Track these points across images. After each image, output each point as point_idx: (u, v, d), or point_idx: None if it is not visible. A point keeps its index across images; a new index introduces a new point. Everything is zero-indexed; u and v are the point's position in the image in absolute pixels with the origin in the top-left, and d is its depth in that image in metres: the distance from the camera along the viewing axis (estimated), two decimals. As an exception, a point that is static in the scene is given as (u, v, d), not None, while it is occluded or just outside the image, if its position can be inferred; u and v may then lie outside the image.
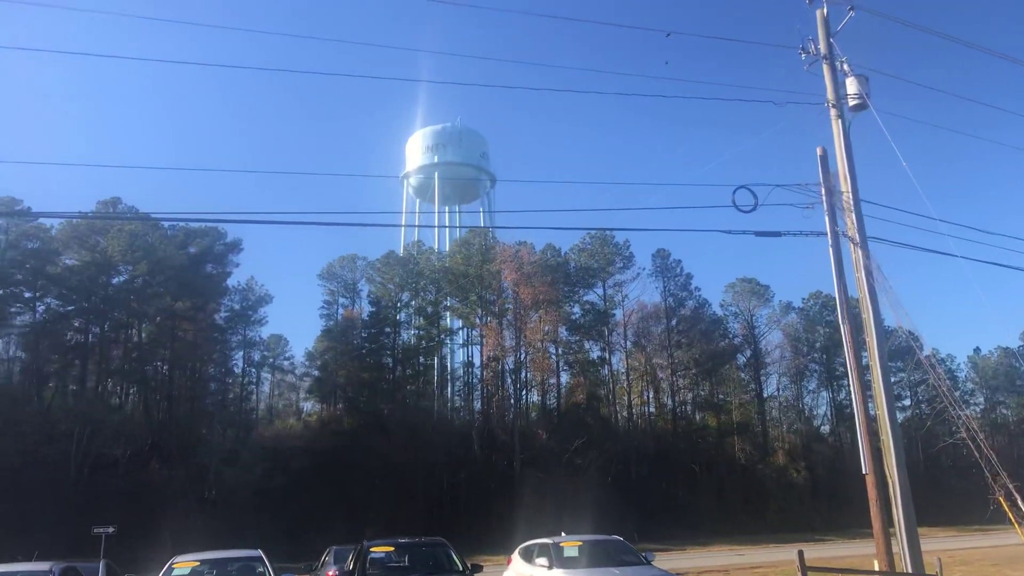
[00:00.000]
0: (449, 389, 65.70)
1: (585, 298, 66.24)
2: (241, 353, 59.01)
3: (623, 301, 66.38)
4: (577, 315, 65.66)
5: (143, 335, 54.51)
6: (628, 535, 18.77)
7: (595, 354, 66.31)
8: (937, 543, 28.22)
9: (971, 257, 17.89)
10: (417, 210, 71.99)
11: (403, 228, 68.89)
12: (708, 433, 66.49)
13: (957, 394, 65.80)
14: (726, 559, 30.78)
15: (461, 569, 11.99)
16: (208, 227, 54.06)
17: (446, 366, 65.93)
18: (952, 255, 16.63)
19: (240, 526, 38.61)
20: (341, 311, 63.78)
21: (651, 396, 68.50)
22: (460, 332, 66.31)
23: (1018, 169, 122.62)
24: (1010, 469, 15.80)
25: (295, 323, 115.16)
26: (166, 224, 53.69)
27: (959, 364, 78.40)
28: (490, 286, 61.36)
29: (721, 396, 69.19)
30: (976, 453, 14.26)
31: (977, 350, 79.70)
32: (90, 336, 51.71)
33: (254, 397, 63.09)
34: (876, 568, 14.67)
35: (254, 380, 62.53)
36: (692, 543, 42.82)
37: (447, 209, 72.75)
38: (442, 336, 63.92)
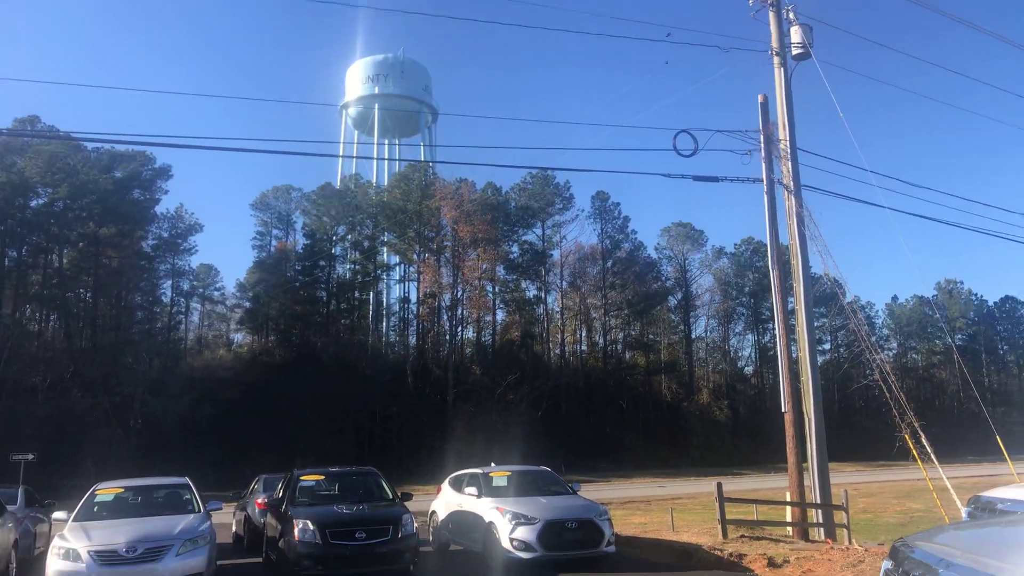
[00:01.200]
0: (384, 324, 65.51)
1: (524, 238, 66.47)
2: (169, 282, 57.49)
3: (561, 242, 66.90)
4: (515, 254, 65.92)
5: (64, 261, 52.45)
6: (556, 467, 19.32)
7: (531, 293, 67.02)
8: (846, 477, 29.93)
9: (897, 208, 18.53)
10: (356, 142, 70.33)
11: (340, 160, 67.38)
12: (637, 371, 68.39)
13: (874, 339, 68.89)
14: (649, 491, 32.05)
15: (391, 497, 12.16)
16: (135, 151, 51.76)
17: (382, 301, 65.60)
18: (879, 206, 17.19)
19: (167, 455, 38.24)
20: (274, 243, 62.50)
21: (584, 335, 69.82)
22: (397, 268, 65.89)
23: (953, 124, 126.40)
24: (916, 410, 16.73)
25: (226, 253, 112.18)
26: (90, 146, 51.15)
27: (877, 311, 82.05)
28: (429, 223, 60.86)
29: (651, 336, 71.03)
30: (887, 394, 15.02)
31: (895, 298, 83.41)
32: (6, 260, 49.52)
33: (182, 327, 61.74)
34: (788, 499, 15.48)
35: (183, 310, 61.12)
36: (618, 476, 44.36)
37: (387, 142, 71.21)
38: (378, 271, 63.40)
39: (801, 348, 17.06)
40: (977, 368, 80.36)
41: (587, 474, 39.15)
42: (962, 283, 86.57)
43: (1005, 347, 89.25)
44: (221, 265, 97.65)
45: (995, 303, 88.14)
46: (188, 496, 11.46)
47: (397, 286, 66.79)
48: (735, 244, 74.99)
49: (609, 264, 67.99)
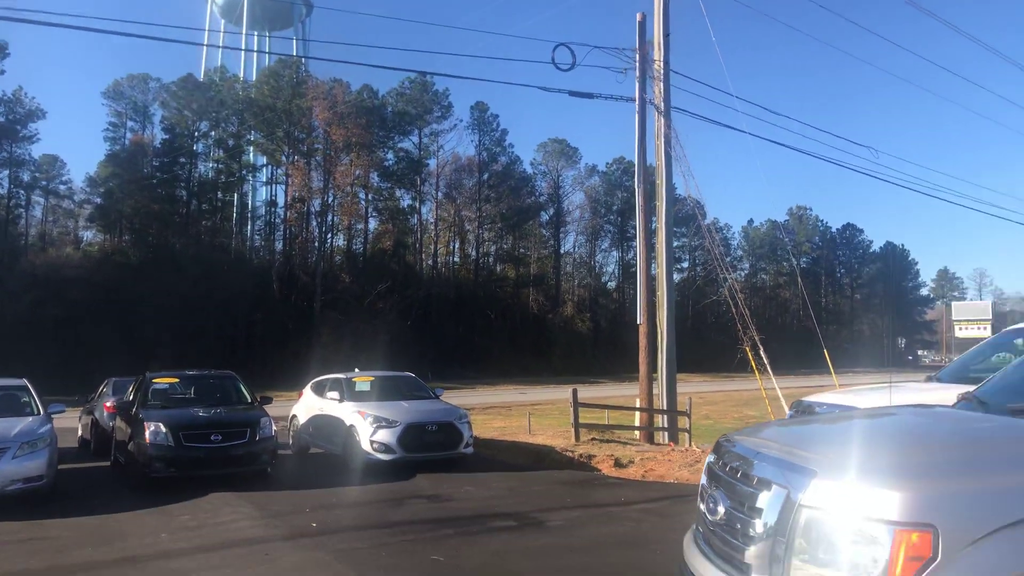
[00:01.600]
0: (249, 228, 62.96)
1: (400, 145, 65.00)
2: (7, 172, 52.50)
3: (438, 152, 65.95)
4: (390, 162, 64.51)
5: None
6: (423, 375, 19.59)
7: (405, 202, 66.13)
8: (693, 387, 32.08)
9: (756, 134, 19.37)
10: (222, 31, 65.38)
11: (205, 50, 62.82)
12: (506, 284, 69.68)
13: (728, 260, 73.02)
14: (511, 397, 33.21)
15: (249, 401, 12.00)
16: (-40, 20, 46.07)
17: (247, 203, 62.82)
18: (740, 131, 17.89)
19: (5, 357, 35.76)
20: (129, 136, 58.02)
21: (457, 247, 69.98)
22: (264, 169, 63.05)
23: (827, 63, 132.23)
24: (760, 326, 18.04)
25: (74, 145, 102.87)
26: (-97, 11, 45.03)
27: (734, 233, 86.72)
28: (299, 123, 58.20)
29: (522, 250, 72.22)
30: (733, 310, 16.10)
31: (751, 221, 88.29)
32: None
33: (23, 221, 56.88)
34: (637, 404, 16.46)
35: (22, 203, 56.17)
36: (483, 383, 45.57)
37: (256, 34, 66.67)
38: (244, 172, 60.44)
39: (659, 264, 17.84)
40: (816, 289, 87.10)
41: (454, 382, 39.99)
42: (811, 210, 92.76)
43: (842, 271, 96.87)
44: (68, 157, 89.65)
45: (837, 230, 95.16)
46: (26, 399, 10.83)
47: (264, 188, 64.12)
48: (607, 163, 76.58)
49: (485, 177, 67.86)
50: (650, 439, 16.14)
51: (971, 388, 4.20)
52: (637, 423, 16.64)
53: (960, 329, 67.60)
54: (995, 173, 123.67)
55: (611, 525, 7.90)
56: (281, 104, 56.55)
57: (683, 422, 16.75)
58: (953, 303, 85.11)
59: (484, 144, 68.38)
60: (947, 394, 4.79)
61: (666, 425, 16.56)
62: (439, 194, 66.38)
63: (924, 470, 2.73)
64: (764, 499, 2.95)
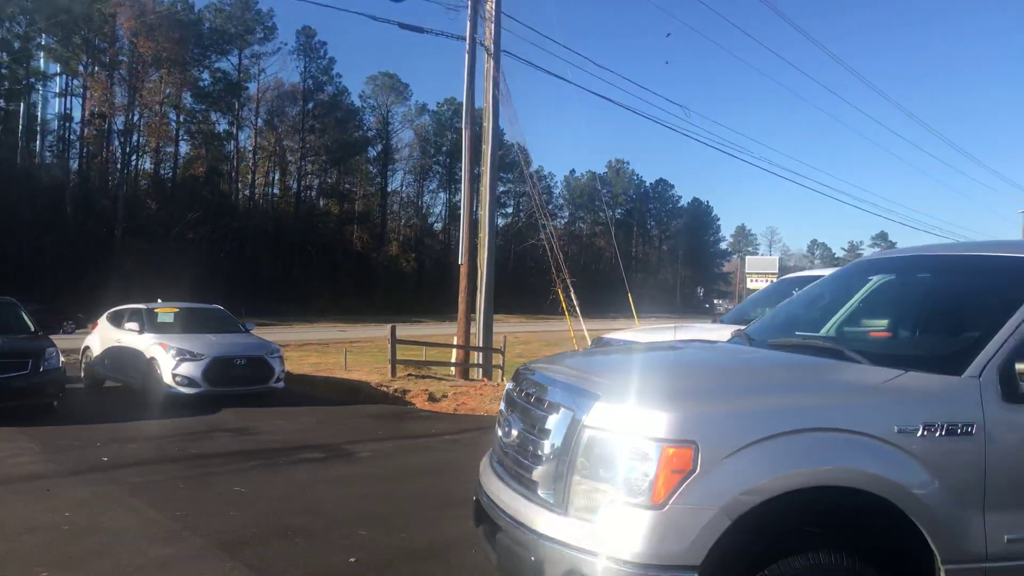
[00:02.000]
0: (39, 143, 56.55)
1: (217, 65, 60.60)
2: None
3: (259, 76, 62.24)
4: (206, 83, 60.06)
5: None
6: (236, 309, 18.77)
7: (222, 127, 62.03)
8: (510, 327, 33.18)
9: (582, 86, 19.88)
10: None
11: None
12: (329, 220, 67.79)
13: (549, 207, 75.22)
14: (329, 335, 32.67)
15: (32, 330, 10.97)
16: None
17: (36, 115, 56.20)
18: (566, 80, 18.27)
19: None
20: None
21: (277, 178, 66.95)
22: (57, 79, 56.50)
23: (647, 18, 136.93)
24: (575, 272, 18.88)
25: None
26: None
27: (557, 182, 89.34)
28: (101, 30, 52.55)
29: (347, 186, 70.36)
30: (549, 254, 16.70)
31: (573, 171, 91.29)
32: None
33: None
34: (455, 342, 16.80)
35: None
36: (301, 320, 44.44)
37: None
38: (32, 80, 53.86)
39: (483, 207, 18.09)
40: (629, 239, 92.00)
41: (269, 318, 38.62)
42: (628, 163, 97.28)
43: (653, 223, 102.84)
44: None
45: (651, 184, 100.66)
46: None
47: (57, 100, 57.58)
48: (438, 103, 75.90)
49: (310, 106, 65.04)
50: (465, 375, 16.57)
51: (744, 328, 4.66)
52: (454, 360, 17.00)
53: (751, 281, 74.22)
54: (790, 139, 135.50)
55: (419, 455, 8.09)
56: (79, 7, 50.69)
57: (497, 359, 17.32)
58: (747, 257, 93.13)
59: (310, 72, 65.40)
60: (725, 333, 5.27)
61: (481, 362, 17.05)
62: (259, 121, 62.92)
63: (691, 394, 3.02)
64: (553, 421, 3.14)
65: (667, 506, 2.67)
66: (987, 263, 3.84)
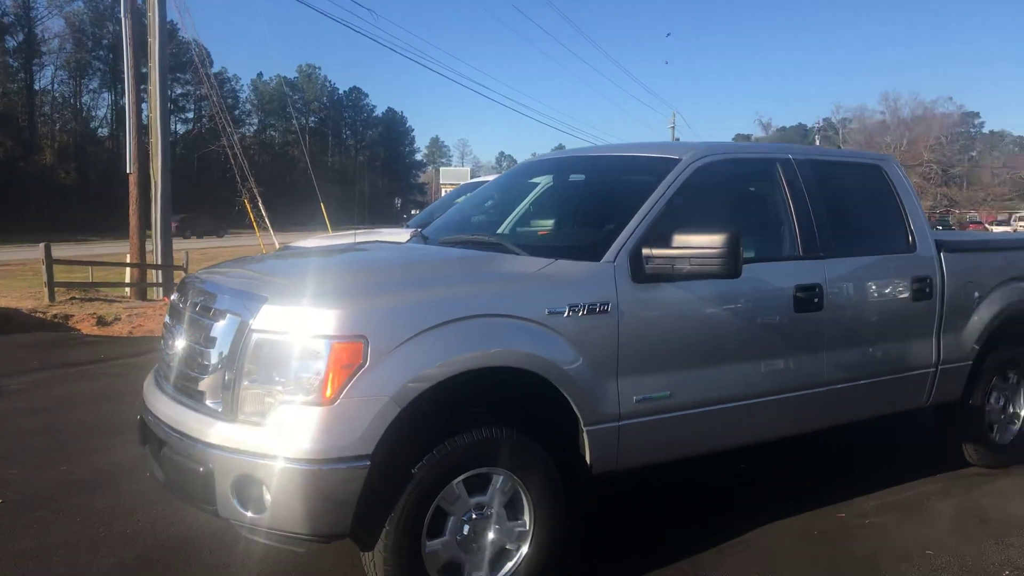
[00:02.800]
0: None
1: None
2: None
3: None
4: None
5: None
6: None
7: None
8: (196, 244, 30.88)
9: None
10: None
11: None
12: (-41, 122, 56.67)
13: (236, 113, 70.17)
14: (-32, 260, 27.80)
15: None
16: None
17: None
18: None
19: None
20: None
21: None
22: None
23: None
24: (268, 182, 17.92)
25: None
26: None
27: (243, 86, 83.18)
28: None
29: (-21, 81, 59.08)
30: (232, 162, 15.63)
31: (260, 75, 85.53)
32: None
33: None
34: (128, 260, 15.26)
35: None
36: (-73, 244, 37.18)
37: None
38: None
39: (153, 109, 16.31)
40: (324, 149, 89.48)
41: None
42: (320, 69, 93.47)
43: (348, 132, 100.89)
44: None
45: (344, 92, 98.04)
46: None
47: None
48: (92, -13, 65.74)
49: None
50: (143, 296, 15.20)
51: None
52: (128, 280, 15.47)
53: (445, 191, 76.34)
54: (478, 52, 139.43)
55: (84, 383, 7.31)
56: None
57: (180, 277, 16.06)
58: (441, 168, 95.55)
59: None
60: (407, 236, 5.38)
61: (161, 281, 15.71)
62: None
63: (361, 290, 3.04)
64: (219, 328, 2.99)
65: (338, 401, 2.70)
66: (626, 162, 4.32)
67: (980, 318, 4.78)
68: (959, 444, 5.07)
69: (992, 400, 5.04)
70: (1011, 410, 5.18)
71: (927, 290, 4.49)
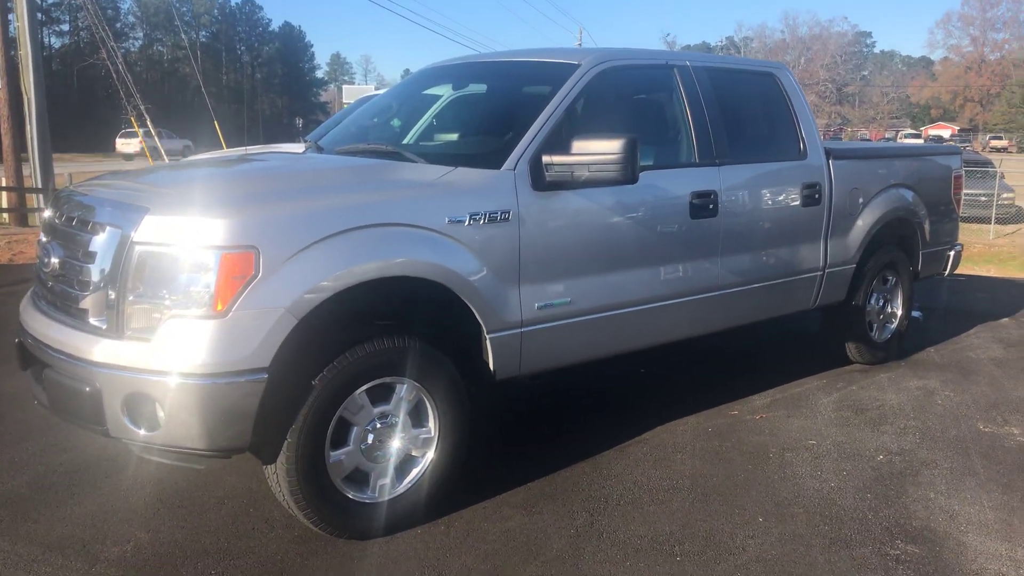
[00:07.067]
0: None
1: None
2: None
3: None
4: None
5: None
6: None
7: None
8: (82, 166, 28.96)
9: None
10: None
11: None
12: None
13: (118, 26, 65.32)
14: None
15: None
16: None
17: None
18: None
19: None
20: None
21: None
22: None
23: None
24: (157, 100, 16.84)
25: None
26: None
27: (124, -4, 77.06)
28: None
29: None
30: (114, 76, 14.58)
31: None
32: None
33: None
34: (3, 184, 14.22)
35: None
36: None
37: None
38: None
39: (20, 16, 14.93)
40: (218, 66, 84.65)
41: None
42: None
43: (243, 48, 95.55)
44: None
45: (237, 4, 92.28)
46: None
47: None
48: None
49: None
50: (23, 222, 14.25)
51: (320, 141, 4.61)
52: (5, 205, 14.46)
53: (348, 110, 73.76)
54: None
55: (-38, 314, 6.86)
56: None
57: (63, 201, 15.11)
58: (344, 86, 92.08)
59: None
60: (303, 148, 5.17)
61: (43, 206, 14.72)
62: None
63: (252, 200, 2.92)
64: (99, 242, 2.83)
65: (230, 313, 2.62)
66: (526, 68, 4.25)
67: (864, 223, 5.02)
68: (842, 343, 5.39)
69: (873, 301, 5.36)
70: (889, 310, 5.53)
71: (816, 196, 4.66)
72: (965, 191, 6.50)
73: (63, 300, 2.98)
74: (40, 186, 14.31)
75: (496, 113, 4.19)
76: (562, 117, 3.53)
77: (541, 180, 3.35)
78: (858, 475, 3.72)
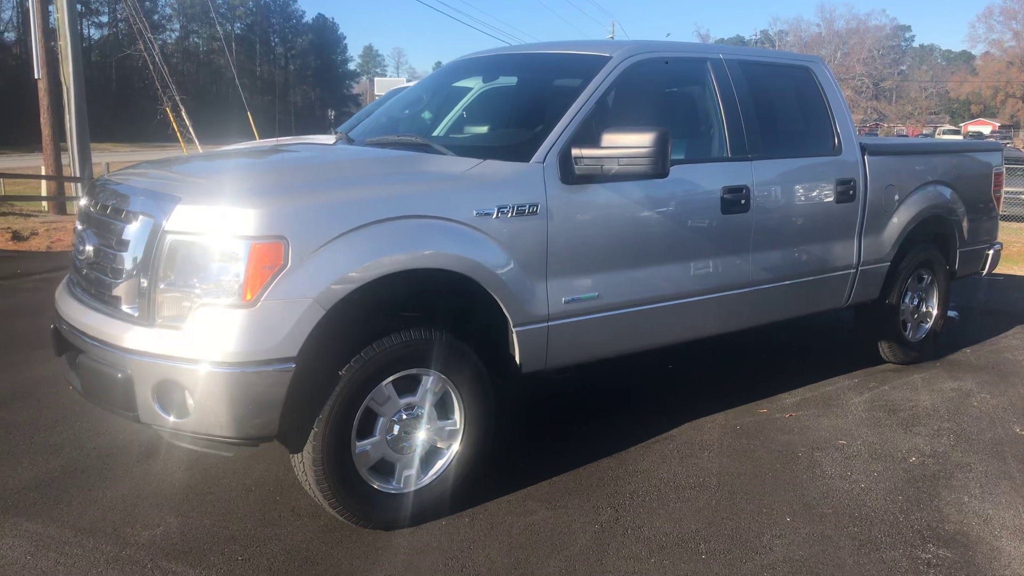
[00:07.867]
0: None
1: None
2: None
3: None
4: None
5: None
6: None
7: None
8: (119, 156, 29.45)
9: None
10: None
11: None
12: None
13: (155, 18, 66.18)
14: None
15: None
16: None
17: None
18: None
19: None
20: None
21: None
22: None
23: None
24: (194, 92, 17.04)
25: None
26: None
27: (161, -12, 77.97)
28: None
29: None
30: (152, 68, 14.77)
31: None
32: None
33: None
34: (43, 172, 14.50)
35: None
36: None
37: None
38: None
39: (59, 8, 15.20)
40: (252, 58, 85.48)
41: None
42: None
43: (277, 40, 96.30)
44: None
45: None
46: None
47: None
48: None
49: None
50: (61, 210, 14.53)
51: (352, 133, 4.62)
52: (44, 194, 14.74)
53: (380, 102, 73.92)
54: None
55: (0, 299, 7.02)
56: None
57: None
58: (376, 79, 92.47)
59: None
60: (333, 139, 5.19)
61: (80, 194, 15.00)
62: None
63: (281, 190, 2.93)
64: (132, 231, 2.87)
65: (259, 302, 2.64)
66: (557, 60, 4.21)
67: (899, 220, 4.92)
68: (875, 342, 5.30)
69: (907, 300, 5.26)
70: (924, 309, 5.42)
71: (851, 192, 4.58)
72: (1006, 189, 6.35)
73: (97, 287, 3.03)
74: (78, 175, 14.58)
75: (526, 105, 4.17)
76: (592, 110, 3.50)
77: (570, 173, 3.33)
78: (889, 476, 3.66)
